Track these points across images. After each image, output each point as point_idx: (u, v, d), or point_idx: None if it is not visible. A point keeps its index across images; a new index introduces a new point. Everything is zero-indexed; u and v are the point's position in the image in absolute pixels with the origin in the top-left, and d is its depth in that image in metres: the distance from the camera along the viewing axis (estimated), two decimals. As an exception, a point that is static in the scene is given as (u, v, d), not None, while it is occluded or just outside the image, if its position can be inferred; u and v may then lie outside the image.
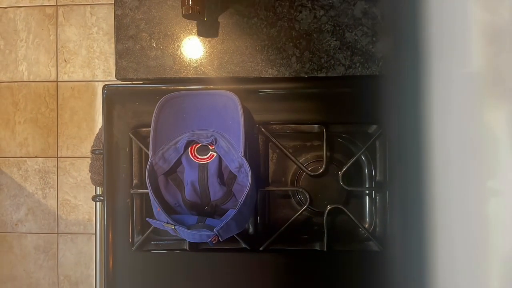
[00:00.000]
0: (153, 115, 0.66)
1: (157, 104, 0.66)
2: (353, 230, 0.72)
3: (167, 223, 0.62)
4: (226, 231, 0.62)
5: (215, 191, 0.67)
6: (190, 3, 0.63)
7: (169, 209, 0.67)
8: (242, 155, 0.65)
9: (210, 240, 0.61)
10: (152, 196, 0.64)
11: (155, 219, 0.65)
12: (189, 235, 0.61)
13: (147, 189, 0.73)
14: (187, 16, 0.64)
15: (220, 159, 0.68)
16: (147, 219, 0.67)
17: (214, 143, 0.67)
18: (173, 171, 0.70)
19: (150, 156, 0.67)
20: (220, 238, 0.61)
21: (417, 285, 0.42)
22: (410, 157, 0.46)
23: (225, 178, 0.69)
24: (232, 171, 0.68)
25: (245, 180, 0.66)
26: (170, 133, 0.67)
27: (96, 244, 0.87)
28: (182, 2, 0.63)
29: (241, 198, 0.62)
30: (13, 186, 1.71)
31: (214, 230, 0.60)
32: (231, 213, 0.63)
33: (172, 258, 0.73)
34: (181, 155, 0.69)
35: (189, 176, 0.68)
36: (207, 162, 0.68)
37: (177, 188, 0.70)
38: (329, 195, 0.72)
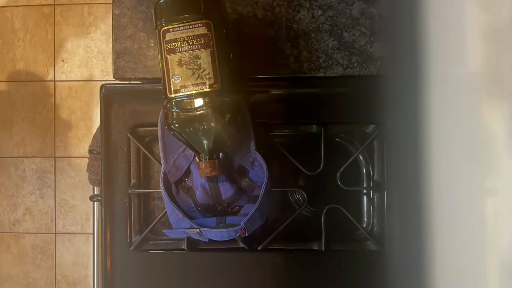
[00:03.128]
0: (158, 126, 0.67)
1: (160, 115, 0.66)
2: (351, 229, 0.72)
3: (190, 228, 0.63)
4: (252, 224, 0.63)
5: (226, 190, 0.68)
6: (208, 166, 0.62)
7: (186, 216, 0.67)
8: (254, 149, 0.66)
9: (239, 235, 0.62)
10: (171, 205, 0.64)
11: (162, 228, 0.65)
12: (217, 234, 0.62)
13: (144, 189, 0.74)
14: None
15: (226, 159, 0.68)
16: (164, 231, 0.67)
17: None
18: (182, 179, 0.70)
19: (162, 165, 0.67)
20: (246, 232, 0.62)
21: (415, 284, 0.42)
22: (408, 157, 0.46)
23: (234, 176, 0.69)
24: (246, 166, 0.68)
25: (259, 173, 0.67)
26: (177, 141, 0.68)
27: (94, 244, 0.87)
28: (198, 164, 0.63)
29: (262, 188, 0.63)
30: (10, 186, 1.71)
31: (241, 223, 0.61)
32: (248, 207, 0.64)
33: (170, 258, 0.73)
34: (191, 161, 0.69)
35: (198, 180, 0.68)
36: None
37: (187, 194, 0.70)
38: (327, 195, 0.72)
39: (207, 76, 0.60)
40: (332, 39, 0.70)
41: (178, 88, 0.60)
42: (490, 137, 0.34)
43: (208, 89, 0.60)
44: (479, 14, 0.35)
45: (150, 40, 0.71)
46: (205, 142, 0.62)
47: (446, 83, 0.39)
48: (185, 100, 0.60)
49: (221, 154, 0.67)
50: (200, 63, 0.60)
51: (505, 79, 0.33)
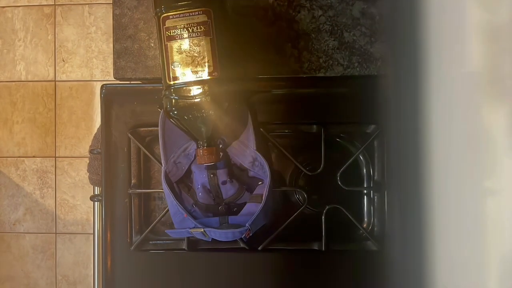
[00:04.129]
0: (159, 126, 0.67)
1: (160, 115, 0.67)
2: (351, 229, 0.72)
3: (194, 228, 0.63)
4: (256, 224, 0.63)
5: (227, 190, 0.68)
6: (206, 153, 0.63)
7: (190, 215, 0.67)
8: (255, 149, 0.66)
9: (244, 236, 0.62)
10: (176, 205, 0.64)
11: (162, 228, 0.65)
12: (222, 235, 0.62)
13: (144, 189, 0.74)
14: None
15: (226, 158, 0.68)
16: (166, 231, 0.67)
17: (221, 144, 0.68)
18: (182, 179, 0.70)
19: (163, 165, 0.67)
20: (250, 233, 0.62)
21: (416, 285, 0.42)
22: (408, 157, 0.46)
23: (235, 175, 0.70)
24: (246, 166, 0.68)
25: (259, 172, 0.68)
26: (177, 141, 0.68)
27: (94, 244, 0.87)
28: (196, 151, 0.64)
29: (265, 188, 0.63)
30: (11, 186, 1.71)
31: (247, 225, 0.61)
32: (250, 206, 0.64)
33: (171, 258, 0.73)
34: (192, 161, 0.69)
35: (199, 179, 0.68)
36: (215, 163, 0.68)
37: (188, 194, 0.70)
38: (327, 195, 0.72)
39: (207, 64, 0.60)
40: (333, 39, 0.70)
41: (177, 75, 0.60)
42: (490, 137, 0.34)
43: (207, 77, 0.60)
44: (479, 14, 0.35)
45: (151, 40, 0.71)
46: (203, 129, 0.62)
47: (446, 83, 0.39)
48: (184, 88, 0.60)
49: (221, 154, 0.68)
50: (200, 51, 0.60)
51: (505, 79, 0.33)
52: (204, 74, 0.60)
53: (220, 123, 0.62)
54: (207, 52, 0.60)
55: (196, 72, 0.60)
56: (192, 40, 0.60)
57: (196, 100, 0.60)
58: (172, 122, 0.63)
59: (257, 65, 0.70)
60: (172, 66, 0.60)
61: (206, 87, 0.60)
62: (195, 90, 0.60)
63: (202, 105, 0.60)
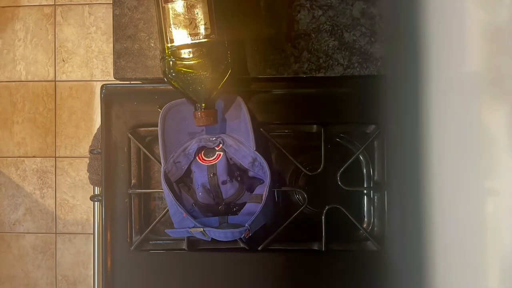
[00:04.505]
0: (158, 126, 0.67)
1: (160, 115, 0.67)
2: (351, 229, 0.72)
3: (193, 227, 0.63)
4: (256, 225, 0.64)
5: (227, 189, 0.68)
6: (204, 115, 0.63)
7: (189, 215, 0.67)
8: (254, 149, 0.66)
9: (244, 236, 0.62)
10: (175, 204, 0.64)
11: (162, 228, 0.65)
12: (221, 234, 0.62)
13: (144, 189, 0.74)
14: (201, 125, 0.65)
15: (227, 158, 0.68)
16: (166, 231, 0.67)
17: (222, 144, 0.68)
18: (182, 179, 0.70)
19: (162, 164, 0.67)
20: (250, 233, 0.63)
21: (416, 285, 0.42)
22: (408, 157, 0.46)
23: (235, 175, 0.70)
24: (246, 166, 0.68)
25: (259, 173, 0.68)
26: (177, 140, 0.68)
27: (94, 244, 0.87)
28: (194, 113, 0.63)
29: (265, 189, 0.64)
30: (11, 186, 1.71)
31: (246, 225, 0.61)
32: (250, 206, 0.65)
33: (171, 258, 0.73)
34: (192, 161, 0.69)
35: (199, 179, 0.68)
36: (215, 163, 0.68)
37: (188, 194, 0.70)
38: (328, 195, 0.72)
39: (204, 26, 0.60)
40: (333, 39, 0.70)
41: (175, 37, 0.60)
42: (490, 137, 0.34)
43: (204, 39, 0.60)
44: (479, 14, 0.35)
45: (151, 40, 0.71)
46: (201, 91, 0.62)
47: (447, 83, 0.39)
48: (181, 50, 0.61)
49: (221, 154, 0.68)
50: (197, 13, 0.60)
51: (505, 79, 0.33)
52: (202, 36, 0.60)
53: (218, 84, 0.62)
54: (205, 14, 0.60)
55: (193, 34, 0.60)
56: (190, 2, 0.60)
57: (193, 62, 0.60)
58: (170, 84, 0.63)
59: (257, 65, 0.70)
60: (170, 28, 0.60)
61: (203, 49, 0.60)
62: (193, 52, 0.60)
63: (200, 66, 0.60)
